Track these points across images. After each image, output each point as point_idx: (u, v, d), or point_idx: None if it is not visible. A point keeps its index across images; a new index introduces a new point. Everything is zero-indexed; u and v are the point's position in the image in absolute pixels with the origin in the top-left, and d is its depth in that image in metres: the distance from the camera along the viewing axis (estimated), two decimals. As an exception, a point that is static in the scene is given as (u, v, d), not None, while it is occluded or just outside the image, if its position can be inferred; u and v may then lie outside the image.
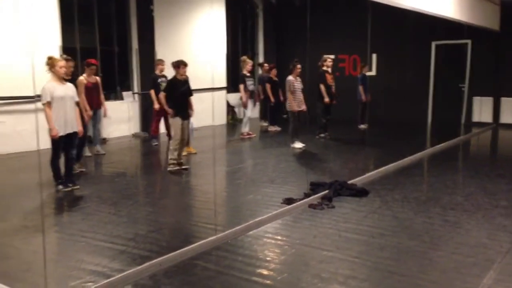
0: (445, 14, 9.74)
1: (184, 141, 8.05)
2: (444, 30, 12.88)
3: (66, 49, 10.02)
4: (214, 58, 13.39)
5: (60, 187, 6.49)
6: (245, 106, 11.43)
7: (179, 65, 7.78)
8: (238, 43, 15.76)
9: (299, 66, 9.71)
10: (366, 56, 13.26)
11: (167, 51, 11.49)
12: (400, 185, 6.87)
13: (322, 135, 11.08)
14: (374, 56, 14.43)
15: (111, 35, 11.74)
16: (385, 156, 8.90)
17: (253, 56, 16.01)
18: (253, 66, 12.13)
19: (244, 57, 11.68)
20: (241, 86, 11.32)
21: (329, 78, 10.92)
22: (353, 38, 14.23)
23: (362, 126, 12.62)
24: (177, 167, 7.76)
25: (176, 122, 7.78)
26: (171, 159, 7.80)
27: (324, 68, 10.94)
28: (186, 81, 7.97)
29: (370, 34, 9.73)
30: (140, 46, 11.91)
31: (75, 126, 6.50)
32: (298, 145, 9.71)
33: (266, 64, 12.96)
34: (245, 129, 11.41)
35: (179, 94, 7.74)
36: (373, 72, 13.99)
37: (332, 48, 14.76)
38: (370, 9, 8.67)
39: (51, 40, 9.75)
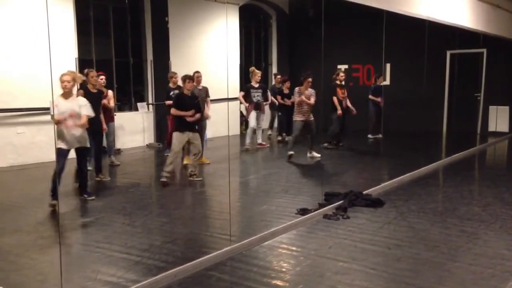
0: (460, 23, 9.70)
1: (198, 154, 7.94)
2: (459, 39, 12.81)
3: (82, 61, 10.17)
4: (228, 68, 13.44)
5: (54, 202, 6.12)
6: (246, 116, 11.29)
7: (185, 79, 7.77)
8: (252, 53, 15.85)
9: (309, 79, 9.54)
10: (380, 66, 13.21)
11: (181, 62, 11.57)
12: (416, 195, 6.81)
13: (329, 146, 11.00)
14: (388, 65, 14.37)
15: (126, 47, 11.87)
16: (400, 166, 8.83)
17: (266, 66, 16.06)
18: (262, 76, 12.07)
19: (253, 68, 11.54)
20: (240, 94, 11.29)
21: (339, 92, 10.87)
22: (367, 48, 14.20)
23: (375, 137, 12.54)
24: (168, 180, 7.56)
25: (177, 135, 7.65)
26: (164, 171, 7.55)
27: (337, 82, 10.92)
28: (194, 96, 7.94)
29: (384, 43, 9.67)
30: (155, 58, 12.02)
31: (82, 141, 6.39)
32: (291, 152, 9.55)
33: (279, 76, 12.91)
34: (248, 140, 11.12)
35: (185, 108, 7.64)
36: (387, 82, 13.93)
37: (345, 58, 14.80)
38: (385, 18, 8.64)
39: (67, 52, 9.90)
